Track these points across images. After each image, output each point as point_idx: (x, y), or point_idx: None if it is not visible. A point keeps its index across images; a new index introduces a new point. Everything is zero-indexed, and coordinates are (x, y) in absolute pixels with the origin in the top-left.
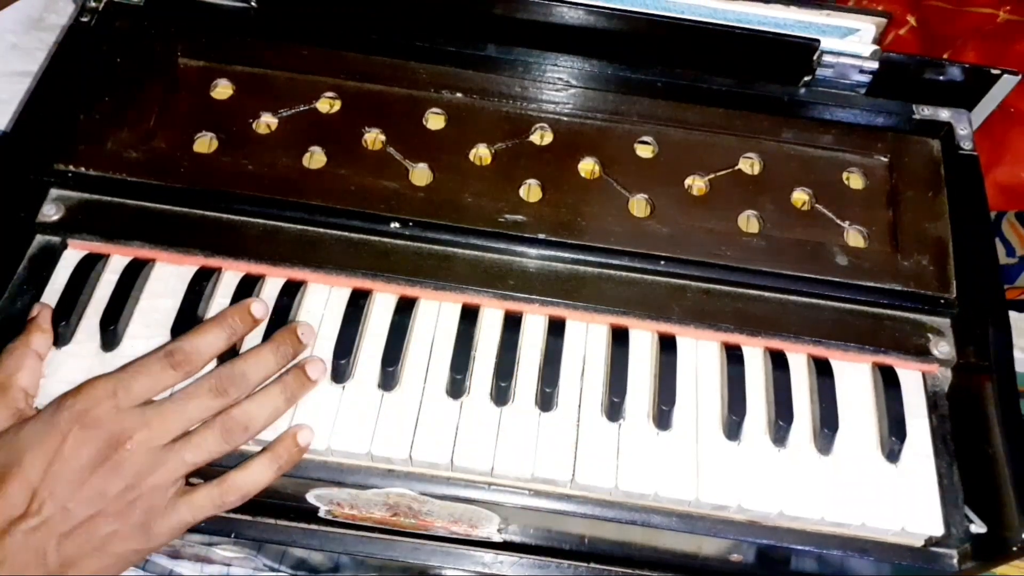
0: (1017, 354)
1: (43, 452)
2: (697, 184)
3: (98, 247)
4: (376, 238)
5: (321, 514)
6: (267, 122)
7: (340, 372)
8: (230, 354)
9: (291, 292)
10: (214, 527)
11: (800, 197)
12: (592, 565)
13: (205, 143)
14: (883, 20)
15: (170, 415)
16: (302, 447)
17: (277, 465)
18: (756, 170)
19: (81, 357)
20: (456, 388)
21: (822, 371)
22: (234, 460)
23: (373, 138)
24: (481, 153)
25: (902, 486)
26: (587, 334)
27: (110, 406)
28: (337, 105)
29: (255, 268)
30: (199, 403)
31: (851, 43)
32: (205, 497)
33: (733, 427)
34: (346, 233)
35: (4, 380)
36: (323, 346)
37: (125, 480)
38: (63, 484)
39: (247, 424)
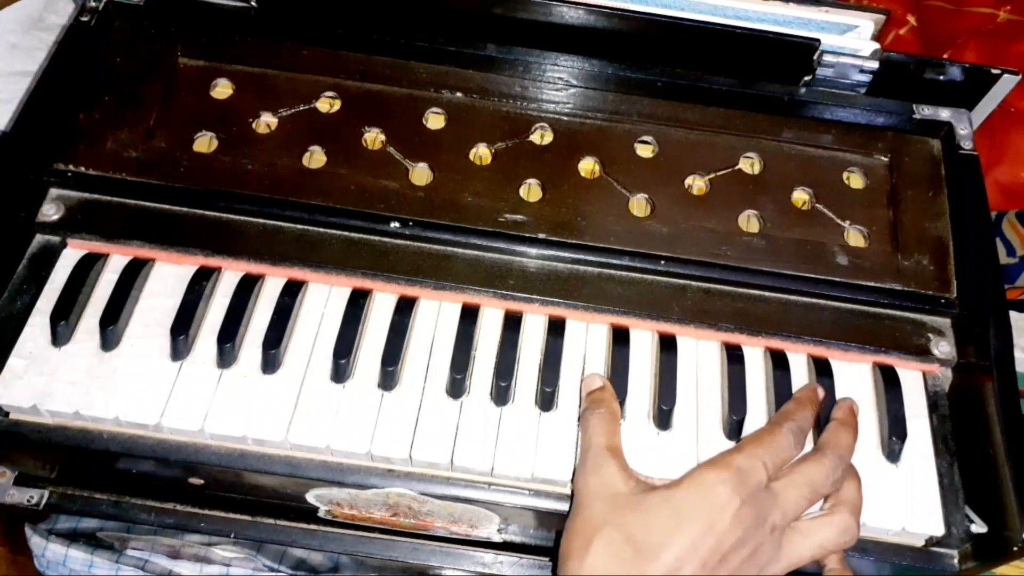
0: (1018, 354)
1: (702, 526)
2: (697, 184)
3: (98, 247)
4: (376, 238)
5: (321, 514)
6: (267, 122)
7: (340, 372)
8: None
9: (291, 292)
10: (214, 527)
11: (800, 197)
12: None
13: (205, 143)
14: (882, 17)
15: (798, 499)
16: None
17: (859, 481)
18: (756, 170)
19: (81, 357)
20: (456, 388)
21: (822, 371)
22: None
23: (373, 138)
24: (481, 153)
25: (903, 486)
26: (587, 334)
27: (758, 483)
28: (337, 105)
29: (255, 268)
30: (818, 488)
31: (851, 40)
32: (828, 529)
33: (733, 427)
34: (346, 233)
35: (613, 444)
36: (323, 346)
37: (758, 566)
38: (713, 562)
39: (848, 454)
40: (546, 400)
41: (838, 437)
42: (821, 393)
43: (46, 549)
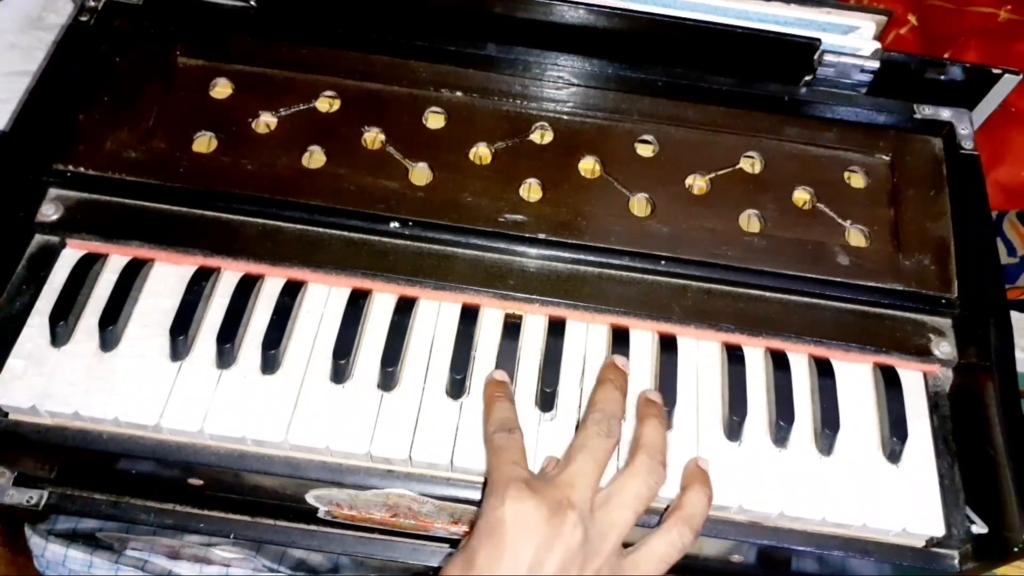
0: (1019, 354)
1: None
2: (698, 183)
3: (97, 247)
4: (376, 238)
5: (320, 515)
6: (266, 121)
7: (340, 372)
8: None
9: (291, 292)
10: (213, 528)
11: (801, 196)
12: None
13: (204, 143)
14: (883, 18)
15: (583, 469)
16: (712, 490)
17: (707, 492)
18: (757, 169)
19: (80, 357)
20: (456, 388)
21: (823, 371)
22: None
23: (373, 137)
24: (481, 152)
25: (903, 486)
26: (587, 334)
27: (580, 512)
28: (336, 104)
29: (254, 268)
30: (596, 447)
31: (852, 40)
32: (662, 543)
33: (734, 427)
34: (346, 233)
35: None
36: (322, 346)
37: (584, 551)
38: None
39: (660, 453)
40: (546, 401)
41: (600, 401)
42: (621, 362)
43: (46, 549)
